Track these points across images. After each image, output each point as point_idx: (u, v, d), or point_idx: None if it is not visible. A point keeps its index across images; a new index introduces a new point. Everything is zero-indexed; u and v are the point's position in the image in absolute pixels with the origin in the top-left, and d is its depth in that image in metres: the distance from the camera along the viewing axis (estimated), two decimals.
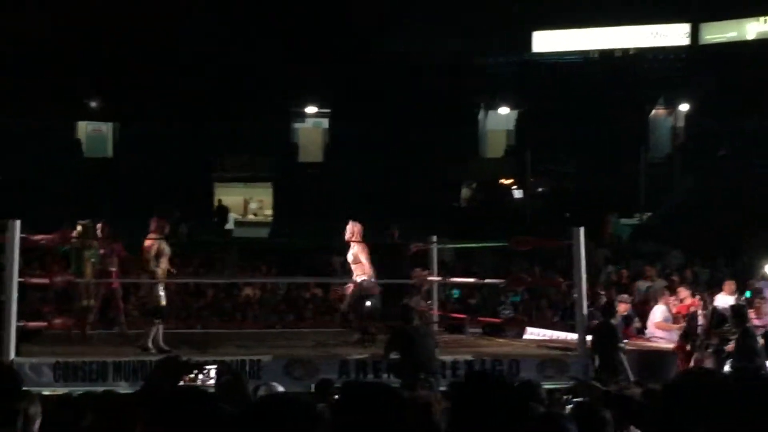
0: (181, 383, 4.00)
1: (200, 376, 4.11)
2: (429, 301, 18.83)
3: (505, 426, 3.62)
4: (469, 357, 14.03)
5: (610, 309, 15.16)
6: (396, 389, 4.04)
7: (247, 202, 44.95)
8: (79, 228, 15.74)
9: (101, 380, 12.61)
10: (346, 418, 3.76)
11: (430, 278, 18.55)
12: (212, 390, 6.46)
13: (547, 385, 10.56)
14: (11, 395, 3.67)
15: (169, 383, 3.63)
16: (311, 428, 3.46)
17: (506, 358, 14.15)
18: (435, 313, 18.60)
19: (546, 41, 47.18)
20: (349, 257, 16.23)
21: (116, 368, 12.86)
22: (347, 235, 16.16)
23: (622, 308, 17.14)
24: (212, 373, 3.72)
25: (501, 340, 17.85)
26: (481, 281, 21.33)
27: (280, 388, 8.22)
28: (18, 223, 13.24)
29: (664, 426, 4.26)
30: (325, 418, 3.89)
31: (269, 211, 43.52)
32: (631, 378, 13.25)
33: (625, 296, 18.85)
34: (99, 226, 15.92)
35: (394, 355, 12.94)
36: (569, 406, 7.92)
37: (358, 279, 15.93)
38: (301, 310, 23.15)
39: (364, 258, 15.88)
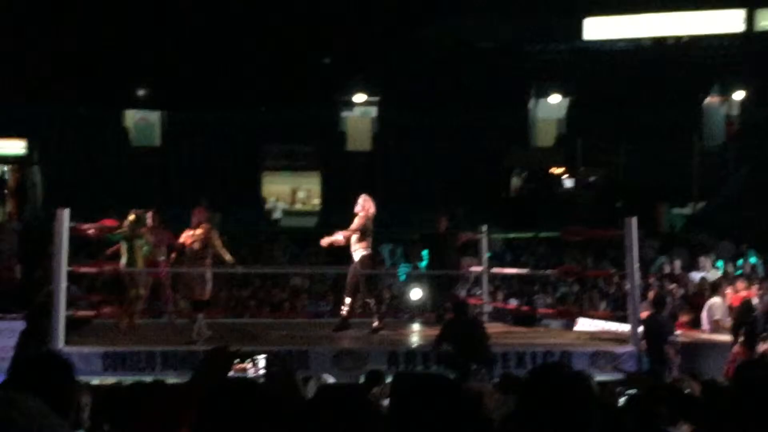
0: (231, 373, 3.95)
1: (249, 366, 4.01)
2: (479, 292, 18.71)
3: (572, 421, 3.45)
4: (520, 348, 13.83)
5: (660, 301, 14.92)
6: (450, 380, 3.89)
7: (295, 192, 44.94)
8: (130, 217, 15.75)
9: (150, 370, 12.62)
10: (401, 409, 3.65)
11: (479, 268, 18.42)
12: (262, 381, 6.34)
13: (599, 378, 10.36)
14: (65, 386, 3.63)
15: (219, 373, 3.54)
16: (369, 420, 3.38)
17: (558, 349, 13.97)
18: (485, 303, 18.45)
19: (597, 28, 46.75)
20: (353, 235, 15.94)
21: (164, 358, 12.86)
22: (357, 209, 15.97)
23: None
24: (261, 363, 3.61)
25: (541, 330, 17.77)
26: (532, 272, 21.16)
27: (331, 379, 8.11)
28: (67, 212, 13.25)
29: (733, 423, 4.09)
30: (381, 409, 3.76)
31: (317, 200, 43.50)
32: (676, 372, 13.01)
33: (674, 286, 18.62)
34: (150, 215, 15.89)
35: (445, 346, 12.81)
36: (622, 399, 7.74)
37: (358, 255, 15.65)
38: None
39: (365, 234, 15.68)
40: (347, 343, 14.24)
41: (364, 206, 15.86)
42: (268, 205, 41.76)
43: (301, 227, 38.39)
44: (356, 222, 15.62)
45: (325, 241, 16.20)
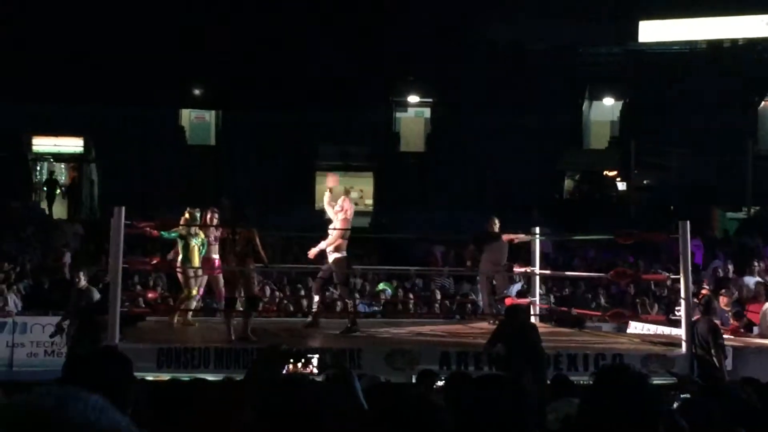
0: (285, 372, 3.99)
1: (300, 365, 4.07)
2: (529, 294, 18.72)
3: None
4: (572, 351, 13.82)
5: (709, 305, 14.86)
6: (507, 381, 3.94)
7: (348, 192, 44.97)
8: (186, 215, 15.89)
9: (203, 367, 12.61)
10: (457, 409, 3.70)
11: (530, 270, 18.43)
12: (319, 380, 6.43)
13: (655, 381, 10.35)
14: (123, 381, 3.67)
15: (272, 372, 3.60)
16: (430, 419, 3.42)
17: (610, 351, 13.95)
18: (536, 305, 18.45)
19: (653, 31, 46.43)
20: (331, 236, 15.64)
21: (218, 356, 12.88)
22: (336, 209, 15.60)
23: (723, 302, 16.86)
24: (314, 362, 3.65)
25: (592, 332, 17.73)
26: (584, 274, 21.10)
27: (382, 379, 8.18)
28: (122, 209, 13.35)
29: None
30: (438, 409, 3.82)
31: (370, 201, 43.59)
32: (727, 377, 12.95)
33: (726, 290, 18.48)
34: (208, 213, 16.01)
35: (498, 348, 12.82)
36: (676, 403, 7.75)
37: (333, 257, 15.45)
38: (402, 300, 23.10)
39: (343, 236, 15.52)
40: (398, 343, 14.26)
41: (344, 207, 15.50)
42: (321, 205, 41.85)
43: (354, 227, 38.44)
44: (338, 225, 15.39)
45: (312, 252, 15.97)
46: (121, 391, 3.61)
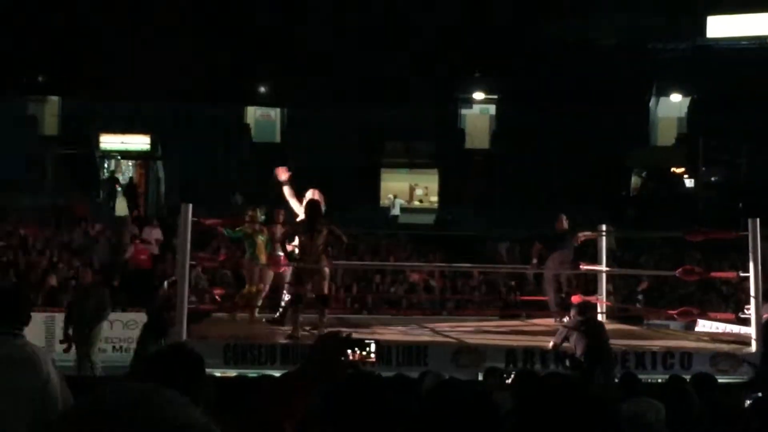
0: (352, 360, 3.99)
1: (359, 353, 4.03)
2: (595, 291, 18.61)
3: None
4: (639, 349, 13.71)
5: None
6: (575, 380, 3.90)
7: (413, 189, 45.07)
8: (250, 213, 15.97)
9: (269, 364, 12.67)
10: (523, 407, 3.67)
11: (597, 268, 18.32)
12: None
13: (721, 380, 10.24)
14: (196, 379, 3.67)
15: (331, 361, 3.58)
16: (488, 416, 3.40)
17: (678, 350, 13.82)
18: (603, 303, 18.32)
19: (721, 26, 45.88)
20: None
21: (284, 352, 12.92)
22: (299, 204, 15.05)
23: None
24: (372, 348, 3.65)
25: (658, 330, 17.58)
26: (651, 272, 20.93)
27: (446, 376, 8.14)
28: (190, 206, 13.44)
29: None
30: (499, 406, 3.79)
31: (435, 198, 43.58)
32: None
33: None
34: (277, 211, 16.06)
35: (565, 346, 12.75)
36: (748, 402, 7.66)
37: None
38: (467, 297, 23.08)
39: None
40: (465, 341, 14.20)
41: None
42: (386, 202, 41.94)
43: (419, 224, 38.49)
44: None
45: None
46: (193, 389, 3.60)
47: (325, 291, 14.24)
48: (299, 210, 15.01)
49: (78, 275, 16.58)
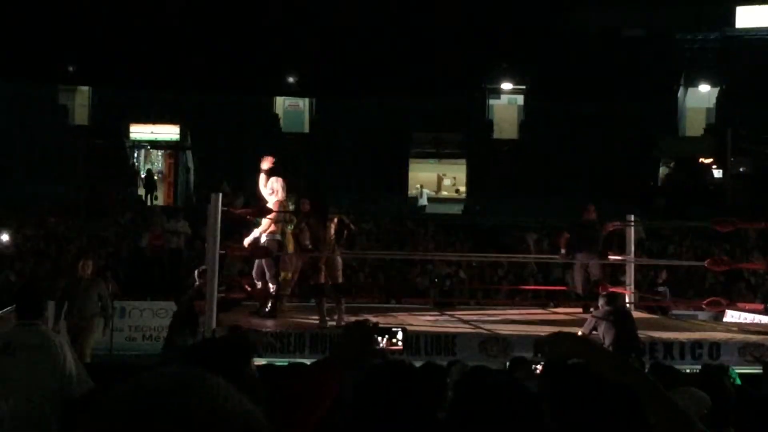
0: (380, 347, 4.03)
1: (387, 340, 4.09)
2: (626, 282, 18.60)
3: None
4: (667, 339, 13.71)
5: None
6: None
7: (441, 179, 45.05)
8: (286, 202, 16.03)
9: (298, 352, 12.72)
10: (553, 396, 3.71)
11: (625, 258, 18.31)
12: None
13: (750, 370, 10.27)
14: (244, 369, 3.67)
15: (359, 348, 3.63)
16: (521, 406, 3.43)
17: (706, 340, 13.82)
18: (631, 293, 18.31)
19: (750, 17, 45.66)
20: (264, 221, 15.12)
21: (313, 340, 12.97)
22: (266, 191, 15.21)
23: None
24: (400, 336, 3.69)
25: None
26: (679, 262, 20.91)
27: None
28: (219, 195, 13.52)
29: None
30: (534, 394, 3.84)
31: (463, 188, 43.56)
32: None
33: None
34: (302, 201, 16.11)
35: (594, 334, 12.76)
36: None
37: (264, 239, 15.09)
38: (495, 286, 23.10)
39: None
40: (493, 330, 14.23)
41: (274, 188, 15.15)
42: (414, 192, 41.96)
43: (447, 214, 38.51)
44: (272, 207, 14.93)
45: (247, 241, 15.59)
46: (243, 380, 3.50)
47: (340, 279, 14.32)
48: (268, 198, 15.15)
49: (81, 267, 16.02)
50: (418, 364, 8.49)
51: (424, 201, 41.10)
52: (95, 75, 41.07)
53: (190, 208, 32.92)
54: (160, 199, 39.34)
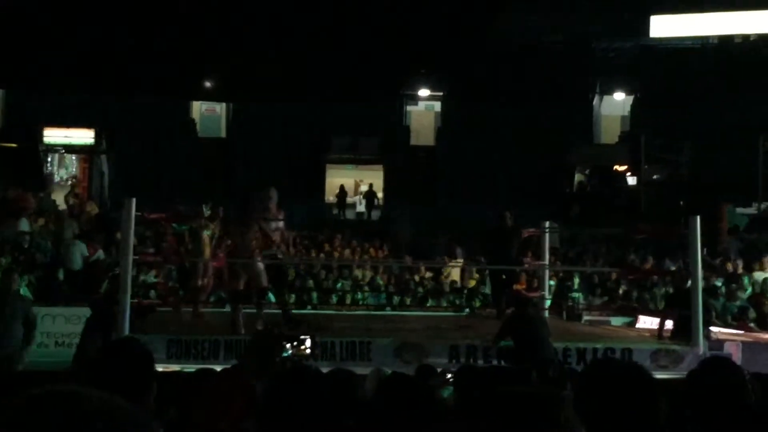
0: (288, 354, 4.01)
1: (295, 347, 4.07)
2: (538, 287, 18.72)
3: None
4: (580, 345, 13.80)
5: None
6: (516, 374, 3.95)
7: (358, 184, 45.08)
8: (201, 208, 15.97)
9: (213, 358, 12.63)
10: (465, 401, 3.70)
11: (540, 264, 18.43)
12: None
13: (662, 375, 10.36)
14: (145, 373, 3.60)
15: (265, 356, 3.60)
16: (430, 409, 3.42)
17: (619, 345, 13.93)
18: (545, 299, 18.43)
19: (664, 26, 46.27)
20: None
21: (228, 346, 12.90)
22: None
23: None
24: (307, 344, 3.68)
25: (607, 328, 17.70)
26: (594, 269, 21.06)
27: (387, 372, 8.17)
28: (133, 201, 13.38)
29: None
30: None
31: (380, 194, 43.61)
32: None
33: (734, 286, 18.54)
34: (218, 207, 16.04)
35: (506, 341, 12.81)
36: None
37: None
38: (410, 293, 23.09)
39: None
40: (408, 336, 14.21)
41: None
42: (331, 198, 41.95)
43: (364, 220, 38.54)
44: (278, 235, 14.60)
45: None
46: (142, 385, 3.53)
47: (263, 284, 14.24)
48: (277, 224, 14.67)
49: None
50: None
51: (362, 207, 41.38)
52: (7, 77, 40.43)
53: (105, 213, 32.49)
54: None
